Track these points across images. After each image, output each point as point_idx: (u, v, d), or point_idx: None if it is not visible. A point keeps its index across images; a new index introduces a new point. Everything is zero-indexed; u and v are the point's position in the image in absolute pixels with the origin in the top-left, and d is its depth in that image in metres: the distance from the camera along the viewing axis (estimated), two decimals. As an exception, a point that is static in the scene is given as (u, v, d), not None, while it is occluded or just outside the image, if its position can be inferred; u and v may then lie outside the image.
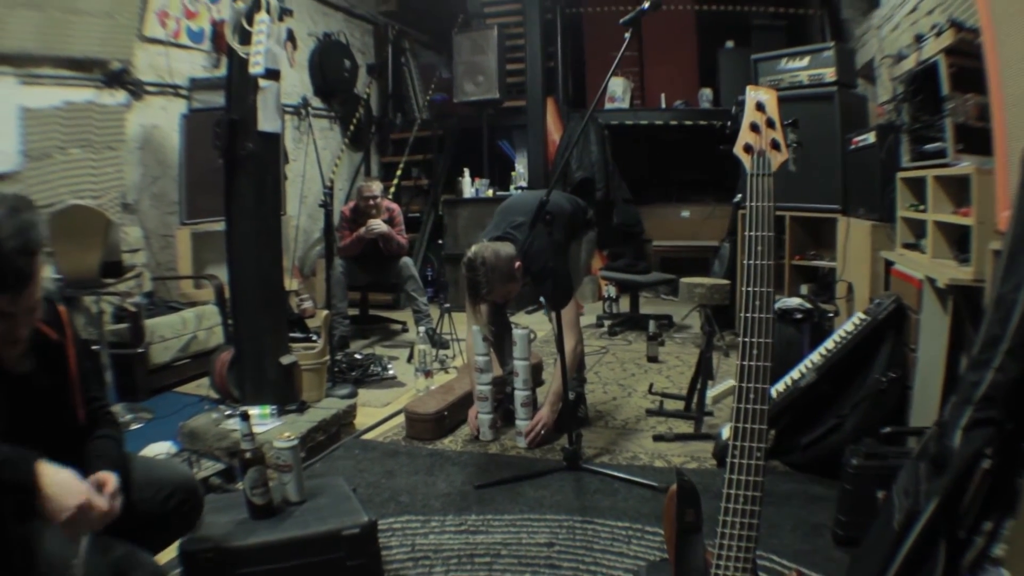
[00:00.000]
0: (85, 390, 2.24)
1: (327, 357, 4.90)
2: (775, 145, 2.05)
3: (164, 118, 6.83)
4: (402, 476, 3.88)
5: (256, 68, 3.99)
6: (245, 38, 4.04)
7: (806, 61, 6.69)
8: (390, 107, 10.84)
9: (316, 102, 9.56)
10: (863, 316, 3.81)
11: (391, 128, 10.81)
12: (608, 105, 10.09)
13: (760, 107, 2.10)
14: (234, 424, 4.01)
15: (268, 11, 4.02)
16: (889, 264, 4.54)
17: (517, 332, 4.24)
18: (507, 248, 4.08)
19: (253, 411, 4.01)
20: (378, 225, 6.79)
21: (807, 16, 9.60)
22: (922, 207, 4.24)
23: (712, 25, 10.21)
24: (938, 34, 4.11)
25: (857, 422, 3.58)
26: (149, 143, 6.73)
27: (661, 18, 9.94)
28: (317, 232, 8.88)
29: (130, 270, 5.26)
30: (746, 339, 1.89)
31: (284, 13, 4.21)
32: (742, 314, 1.93)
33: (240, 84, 4.13)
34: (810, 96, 6.53)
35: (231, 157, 4.15)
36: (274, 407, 4.17)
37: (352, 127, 9.95)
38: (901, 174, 4.61)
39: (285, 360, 4.32)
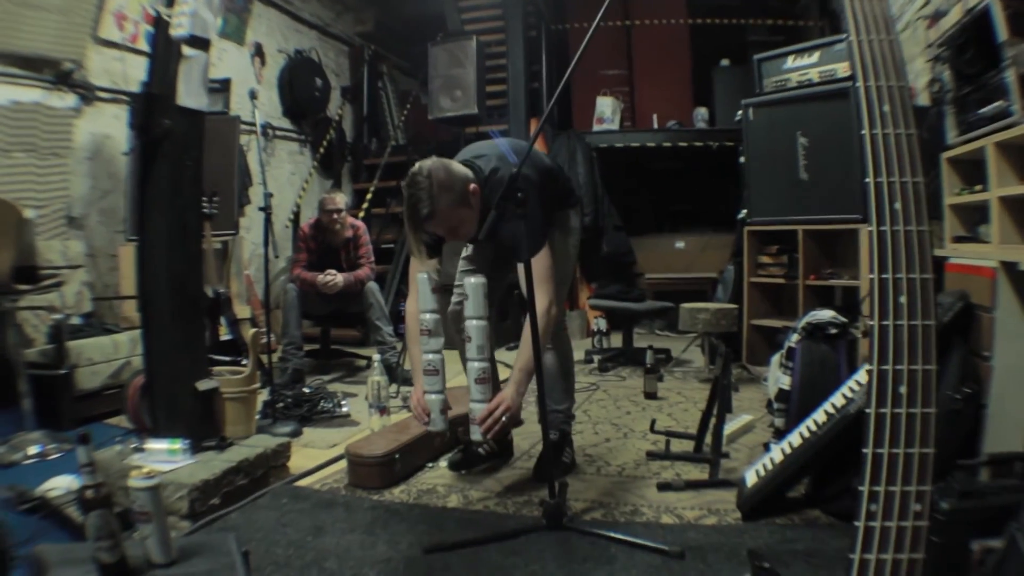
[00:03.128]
0: None
1: (256, 384, 4.10)
2: None
3: (117, 128, 6.36)
4: (334, 534, 3.01)
5: (179, 30, 3.41)
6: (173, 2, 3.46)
7: (816, 57, 6.05)
8: (365, 132, 10.24)
9: (285, 123, 9.09)
10: (921, 323, 3.02)
11: (365, 153, 10.20)
12: (596, 127, 9.42)
13: None
14: (140, 459, 3.30)
15: None
16: (941, 262, 3.76)
17: (469, 281, 3.25)
18: (463, 169, 3.27)
19: (159, 445, 3.37)
20: (332, 277, 6.05)
21: (806, 28, 9.10)
22: (978, 187, 3.54)
23: (706, 42, 9.64)
24: (986, -27, 3.44)
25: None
26: (100, 154, 6.27)
27: (653, 33, 9.52)
28: (283, 261, 8.21)
29: (50, 279, 4.65)
30: (884, 275, 1.14)
31: None
32: (874, 227, 1.18)
33: (163, 53, 3.51)
34: (822, 95, 5.88)
35: (147, 138, 3.52)
36: (186, 441, 3.42)
37: (322, 150, 9.40)
38: (947, 154, 3.88)
39: (203, 386, 3.59)
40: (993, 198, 3.29)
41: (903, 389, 1.17)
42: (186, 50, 3.49)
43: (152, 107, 3.47)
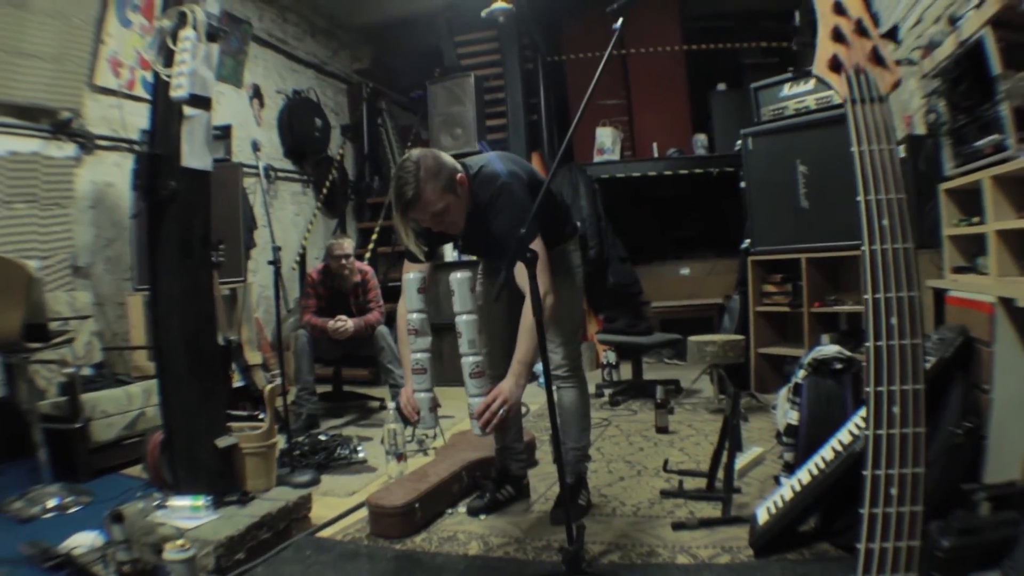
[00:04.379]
0: None
1: (275, 438, 4.13)
2: (877, 58, 1.38)
3: (119, 175, 6.42)
4: (359, 586, 3.07)
5: (179, 91, 3.44)
6: (171, 60, 3.48)
7: (812, 84, 6.13)
8: (367, 169, 10.28)
9: (286, 164, 9.14)
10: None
11: (368, 192, 10.24)
12: (597, 157, 9.51)
13: (840, 9, 1.45)
14: (163, 516, 3.35)
15: (195, 27, 3.46)
16: (940, 295, 3.82)
17: (455, 276, 3.21)
18: (453, 161, 3.32)
19: (183, 502, 3.41)
20: (343, 323, 6.13)
21: (800, 50, 9.04)
22: (976, 219, 3.59)
23: (703, 67, 9.73)
24: (979, 4, 3.49)
25: (931, 488, 2.81)
26: (102, 202, 6.30)
27: (649, 61, 9.51)
28: (290, 303, 8.26)
29: (60, 335, 4.68)
30: (880, 388, 1.23)
31: (216, 33, 3.64)
32: (871, 343, 1.26)
33: (165, 114, 3.57)
34: (819, 122, 5.98)
35: (153, 199, 3.56)
36: (209, 498, 3.46)
37: (325, 190, 9.48)
38: (945, 185, 3.94)
39: (222, 442, 3.64)
40: (990, 231, 3.32)
41: (896, 409, 1.24)
42: (187, 110, 3.54)
43: (157, 169, 3.51)
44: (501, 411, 3.10)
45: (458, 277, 3.18)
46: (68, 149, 5.96)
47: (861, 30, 1.48)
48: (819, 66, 1.52)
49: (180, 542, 2.23)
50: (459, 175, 3.27)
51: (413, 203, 3.16)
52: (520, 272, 2.98)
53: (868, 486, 1.32)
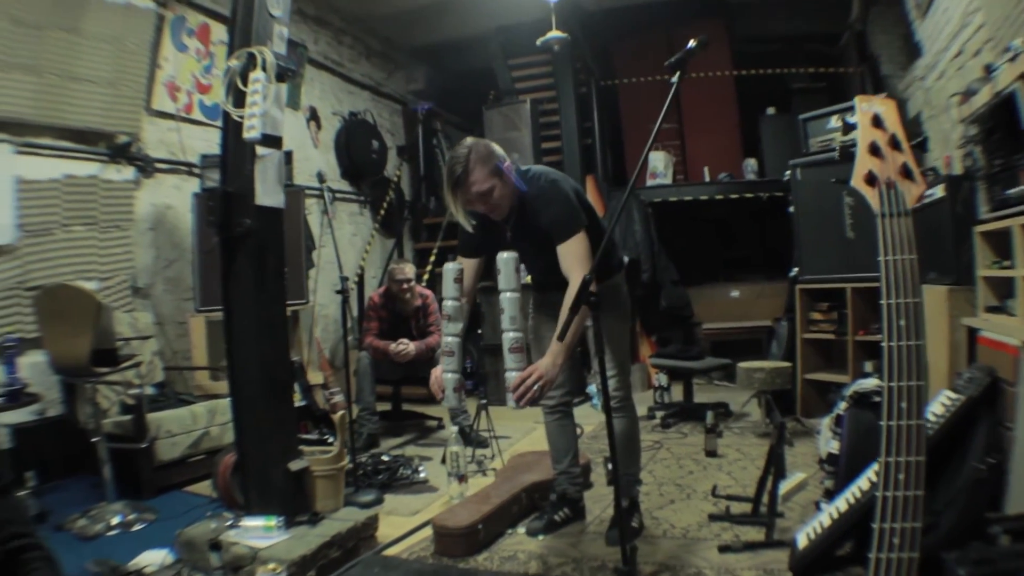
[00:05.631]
0: None
1: (344, 462, 4.35)
2: (907, 172, 1.59)
3: (178, 198, 6.66)
4: (427, 603, 3.31)
5: (251, 133, 3.61)
6: (240, 100, 3.66)
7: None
8: (423, 190, 10.48)
9: (343, 185, 9.34)
10: (953, 395, 3.26)
11: (425, 212, 10.44)
12: (650, 181, 9.64)
13: (878, 122, 1.67)
14: (236, 536, 3.55)
15: (264, 69, 3.65)
16: (974, 332, 4.00)
17: (502, 256, 3.40)
18: (505, 153, 3.63)
19: (256, 522, 3.60)
20: (405, 347, 6.35)
21: (847, 75, 9.20)
22: (1007, 263, 3.73)
23: (752, 92, 9.81)
24: (1013, 58, 3.62)
25: (954, 519, 3.00)
26: (162, 224, 6.54)
27: (700, 86, 9.61)
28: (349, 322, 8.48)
29: (128, 359, 4.90)
30: (889, 459, 1.48)
31: (285, 73, 3.81)
32: (884, 422, 1.50)
33: (236, 152, 3.76)
34: None
35: (227, 235, 3.75)
36: (281, 518, 3.67)
37: (383, 211, 9.69)
38: (979, 228, 4.10)
39: (294, 466, 3.85)
40: (1019, 276, 3.48)
41: (901, 476, 1.47)
42: (260, 150, 3.73)
43: (230, 206, 3.71)
44: (536, 386, 3.25)
45: (504, 256, 3.36)
46: (127, 172, 6.17)
47: (895, 143, 1.68)
48: (856, 180, 1.71)
49: (272, 566, 2.46)
50: (507, 163, 3.57)
51: (461, 181, 3.48)
52: (563, 256, 3.45)
53: (876, 536, 1.54)
